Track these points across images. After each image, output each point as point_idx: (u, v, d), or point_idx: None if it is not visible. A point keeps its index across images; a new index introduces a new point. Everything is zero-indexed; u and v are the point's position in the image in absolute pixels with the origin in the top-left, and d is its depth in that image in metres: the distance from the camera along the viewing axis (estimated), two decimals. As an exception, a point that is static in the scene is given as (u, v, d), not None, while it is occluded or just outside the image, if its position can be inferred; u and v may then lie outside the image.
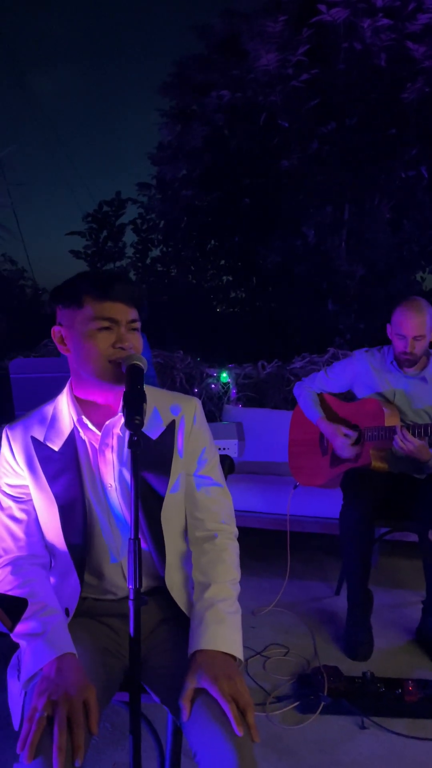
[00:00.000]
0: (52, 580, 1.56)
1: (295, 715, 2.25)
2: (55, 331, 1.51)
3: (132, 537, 1.27)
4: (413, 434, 2.60)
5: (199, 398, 5.41)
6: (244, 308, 7.96)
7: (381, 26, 6.14)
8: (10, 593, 1.50)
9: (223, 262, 8.53)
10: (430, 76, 5.83)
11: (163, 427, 1.54)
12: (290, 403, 4.96)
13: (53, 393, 2.81)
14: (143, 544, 1.52)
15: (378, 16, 6.05)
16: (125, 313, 1.44)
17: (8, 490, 1.57)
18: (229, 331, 7.23)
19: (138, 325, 1.47)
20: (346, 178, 6.71)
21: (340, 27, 6.14)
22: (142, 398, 1.28)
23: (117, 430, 1.51)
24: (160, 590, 1.55)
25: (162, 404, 1.57)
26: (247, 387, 5.24)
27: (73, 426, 1.52)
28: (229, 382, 5.27)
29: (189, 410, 1.58)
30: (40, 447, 1.52)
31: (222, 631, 1.38)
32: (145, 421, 1.44)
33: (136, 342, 1.45)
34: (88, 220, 9.11)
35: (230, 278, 8.66)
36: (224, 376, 5.28)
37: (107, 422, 1.50)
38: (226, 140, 6.58)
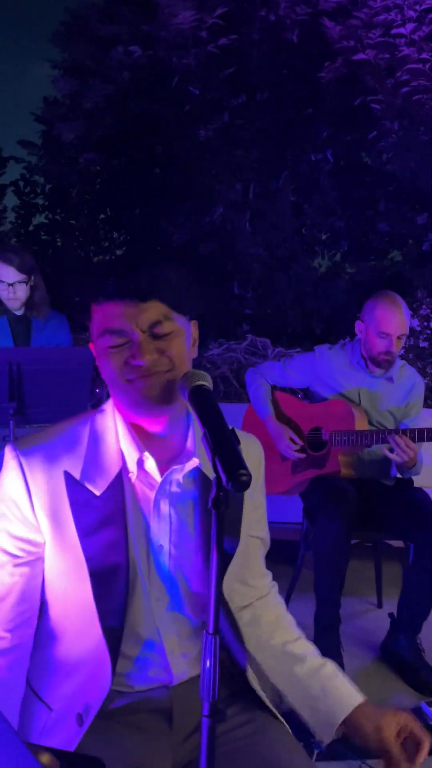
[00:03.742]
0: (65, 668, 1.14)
1: (286, 767, 1.97)
2: (90, 346, 1.11)
3: (211, 631, 0.90)
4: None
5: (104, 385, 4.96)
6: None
7: (297, -1, 5.91)
8: None
9: (116, 234, 7.98)
10: (348, 57, 5.69)
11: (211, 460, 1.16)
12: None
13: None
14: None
15: (296, -13, 5.81)
16: (135, 315, 1.01)
17: (5, 543, 1.10)
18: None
19: (170, 326, 1.03)
20: (253, 155, 6.46)
21: (258, -7, 5.83)
22: (236, 438, 0.90)
23: (179, 476, 1.11)
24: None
25: None
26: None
27: (122, 463, 1.09)
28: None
29: (256, 453, 1.23)
30: (75, 488, 1.07)
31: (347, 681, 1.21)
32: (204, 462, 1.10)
33: (175, 350, 1.03)
34: (-40, 177, 8.14)
35: (121, 252, 8.13)
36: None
37: (174, 467, 1.09)
38: (131, 101, 6.04)
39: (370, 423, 2.65)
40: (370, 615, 2.94)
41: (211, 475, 1.10)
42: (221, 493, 0.87)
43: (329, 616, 2.42)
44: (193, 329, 1.12)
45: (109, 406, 1.14)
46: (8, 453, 1.10)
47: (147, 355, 1.01)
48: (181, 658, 1.16)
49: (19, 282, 2.80)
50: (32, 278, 2.85)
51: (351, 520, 2.38)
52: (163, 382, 1.03)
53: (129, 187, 6.52)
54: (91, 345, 1.11)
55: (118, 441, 1.10)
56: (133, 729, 1.13)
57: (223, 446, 0.87)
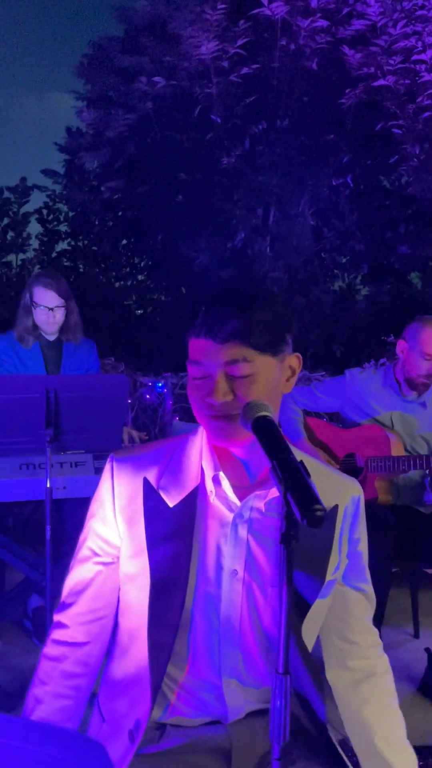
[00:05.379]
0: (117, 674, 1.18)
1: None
2: None
3: (281, 670, 0.87)
4: None
5: (132, 411, 4.96)
6: (166, 311, 7.52)
7: (317, 27, 5.98)
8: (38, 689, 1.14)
9: (136, 259, 8.04)
10: (368, 83, 5.74)
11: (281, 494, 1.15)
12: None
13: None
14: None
15: (316, 16, 5.88)
16: (214, 354, 1.02)
17: (92, 539, 1.17)
18: (153, 336, 6.78)
19: (249, 369, 1.03)
20: (274, 181, 6.51)
21: (278, 23, 5.91)
22: (306, 470, 0.88)
23: (260, 504, 1.10)
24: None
25: (321, 481, 1.16)
26: (184, 398, 4.85)
27: (200, 480, 1.11)
28: (164, 392, 4.87)
29: (353, 495, 1.20)
30: (151, 495, 1.11)
31: None
32: None
33: (247, 393, 1.02)
34: (-16, 206, 8.26)
35: (143, 277, 8.18)
36: (159, 385, 4.87)
37: (257, 492, 1.09)
38: (154, 130, 6.13)
39: (404, 448, 2.62)
40: (408, 646, 2.87)
41: None
42: (291, 530, 0.85)
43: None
44: (291, 362, 1.10)
45: (201, 427, 1.15)
46: (108, 461, 1.18)
47: (220, 395, 1.01)
48: (239, 694, 1.14)
49: (58, 306, 2.83)
50: (68, 303, 2.89)
51: (392, 549, 2.34)
52: (232, 425, 1.03)
53: (152, 214, 6.58)
54: None
55: (200, 459, 1.12)
56: None
57: (294, 479, 0.85)
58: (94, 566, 1.16)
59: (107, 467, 1.17)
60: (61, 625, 1.18)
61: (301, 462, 0.89)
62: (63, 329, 2.95)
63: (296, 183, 6.60)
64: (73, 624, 1.17)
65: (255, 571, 1.11)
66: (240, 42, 5.72)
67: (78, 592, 1.17)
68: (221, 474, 1.09)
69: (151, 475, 1.13)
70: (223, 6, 5.60)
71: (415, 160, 5.72)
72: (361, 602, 1.24)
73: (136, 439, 2.93)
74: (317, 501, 0.82)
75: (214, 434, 1.07)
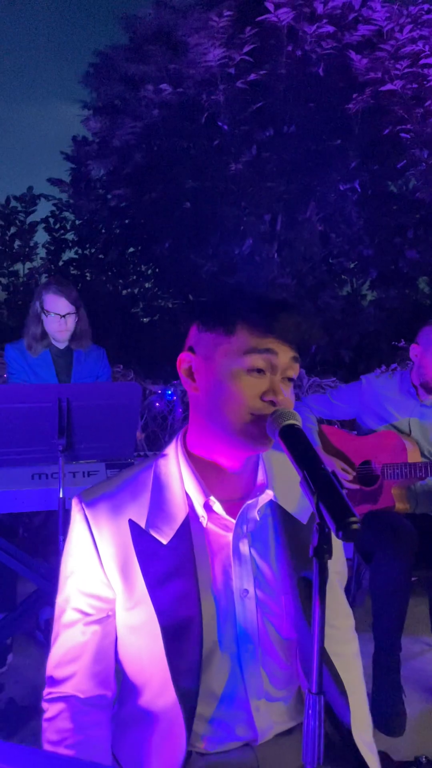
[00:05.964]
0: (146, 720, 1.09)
1: None
2: (183, 359, 1.06)
3: (314, 690, 0.84)
4: None
5: (141, 418, 4.93)
6: (174, 318, 7.50)
7: (323, 33, 5.97)
8: (57, 749, 1.03)
9: (143, 267, 8.03)
10: (375, 88, 5.73)
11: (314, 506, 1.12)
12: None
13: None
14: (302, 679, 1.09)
15: (322, 22, 5.87)
16: (287, 355, 1.01)
17: (76, 600, 1.06)
18: (161, 344, 6.77)
19: (295, 372, 1.03)
20: (281, 187, 6.49)
21: (284, 29, 5.91)
22: (338, 481, 0.85)
23: (254, 514, 1.06)
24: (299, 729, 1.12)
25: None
26: (194, 405, 4.82)
27: (188, 508, 1.05)
28: (174, 400, 4.83)
29: None
30: (141, 537, 1.03)
31: None
32: (286, 495, 1.08)
33: (292, 397, 1.04)
34: (-9, 216, 8.28)
35: (150, 285, 8.18)
36: (169, 392, 4.84)
37: (249, 501, 1.05)
38: (161, 138, 6.14)
39: (422, 454, 2.58)
40: (426, 656, 2.81)
41: (290, 507, 1.07)
42: (325, 544, 0.81)
43: (390, 660, 2.31)
44: None
45: (171, 450, 1.10)
46: (74, 506, 1.07)
47: (281, 395, 0.99)
48: (268, 713, 1.10)
49: (70, 314, 2.81)
50: (79, 310, 2.87)
51: (412, 559, 2.29)
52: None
53: (159, 222, 6.58)
54: (187, 354, 1.07)
55: (183, 486, 1.06)
56: None
57: (328, 491, 0.82)
58: (87, 627, 1.06)
59: (77, 516, 1.06)
60: (62, 696, 1.07)
61: (333, 472, 0.86)
62: (72, 337, 2.94)
63: (303, 189, 6.59)
64: (75, 692, 1.06)
65: (265, 584, 1.07)
66: (246, 49, 5.73)
67: (72, 660, 1.06)
68: (212, 499, 1.04)
69: (135, 515, 1.04)
70: (229, 13, 5.61)
71: (423, 164, 5.70)
72: (341, 585, 1.21)
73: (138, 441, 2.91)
74: (352, 513, 0.78)
75: (255, 438, 0.99)
